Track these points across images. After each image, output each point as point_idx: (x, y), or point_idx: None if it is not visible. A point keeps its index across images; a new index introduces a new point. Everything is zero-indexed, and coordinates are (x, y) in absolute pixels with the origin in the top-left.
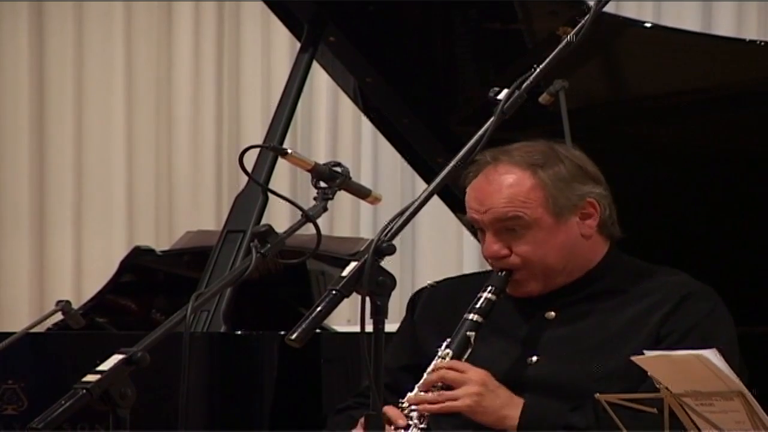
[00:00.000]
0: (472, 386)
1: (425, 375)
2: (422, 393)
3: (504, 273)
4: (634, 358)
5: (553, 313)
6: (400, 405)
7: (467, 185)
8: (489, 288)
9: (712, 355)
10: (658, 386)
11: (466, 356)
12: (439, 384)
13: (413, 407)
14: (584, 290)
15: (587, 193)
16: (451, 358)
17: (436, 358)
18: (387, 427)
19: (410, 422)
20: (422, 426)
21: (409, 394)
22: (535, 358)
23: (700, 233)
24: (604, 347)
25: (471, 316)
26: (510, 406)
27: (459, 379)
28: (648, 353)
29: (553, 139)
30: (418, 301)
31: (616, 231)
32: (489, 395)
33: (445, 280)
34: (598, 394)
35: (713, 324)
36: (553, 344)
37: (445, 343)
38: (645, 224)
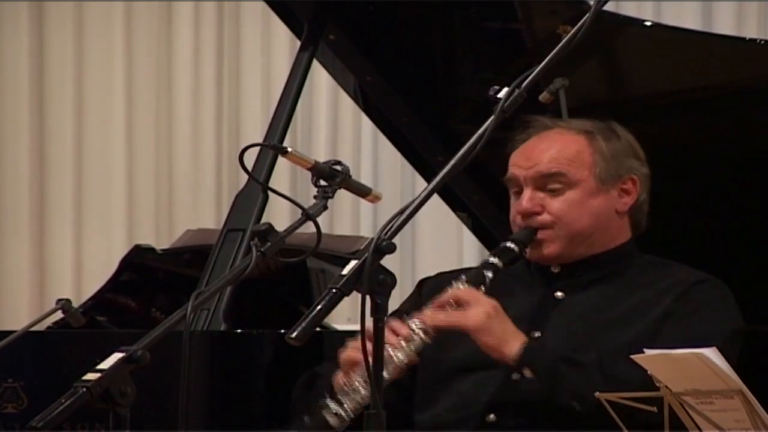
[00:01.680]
0: (483, 306)
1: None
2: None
3: (529, 230)
4: (634, 357)
5: (561, 293)
6: (404, 319)
7: (515, 148)
8: (512, 239)
9: (712, 353)
10: (658, 385)
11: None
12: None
13: (417, 321)
14: (597, 271)
15: (633, 168)
16: None
17: (453, 287)
18: (390, 336)
19: (414, 336)
20: (426, 339)
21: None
22: (537, 334)
23: (701, 232)
24: (610, 326)
25: (492, 258)
26: (515, 336)
27: (472, 298)
28: (648, 352)
29: (609, 120)
30: (424, 285)
31: (643, 222)
32: (498, 319)
33: (451, 271)
34: (597, 393)
35: (721, 308)
36: (558, 322)
37: (463, 276)
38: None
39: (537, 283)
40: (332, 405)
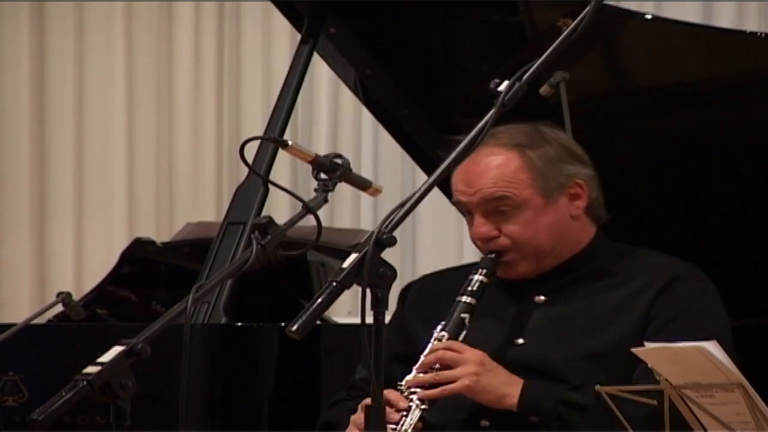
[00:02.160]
0: (470, 366)
1: (422, 357)
2: (420, 375)
3: (494, 255)
4: (634, 350)
5: (542, 297)
6: (399, 388)
7: (452, 171)
8: (480, 270)
9: (712, 346)
10: (658, 378)
11: (461, 338)
12: (437, 366)
13: (413, 389)
14: (573, 273)
15: (575, 173)
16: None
17: (432, 340)
18: (388, 410)
19: (411, 404)
20: (423, 407)
21: (408, 377)
22: (521, 341)
23: (701, 225)
24: (591, 329)
25: (464, 298)
26: (509, 385)
27: (456, 359)
28: (648, 345)
29: (539, 121)
30: (408, 293)
31: (603, 214)
32: (487, 374)
33: (434, 273)
34: (598, 386)
35: (703, 305)
36: (540, 327)
37: (439, 326)
38: (645, 215)
39: (516, 290)
40: None
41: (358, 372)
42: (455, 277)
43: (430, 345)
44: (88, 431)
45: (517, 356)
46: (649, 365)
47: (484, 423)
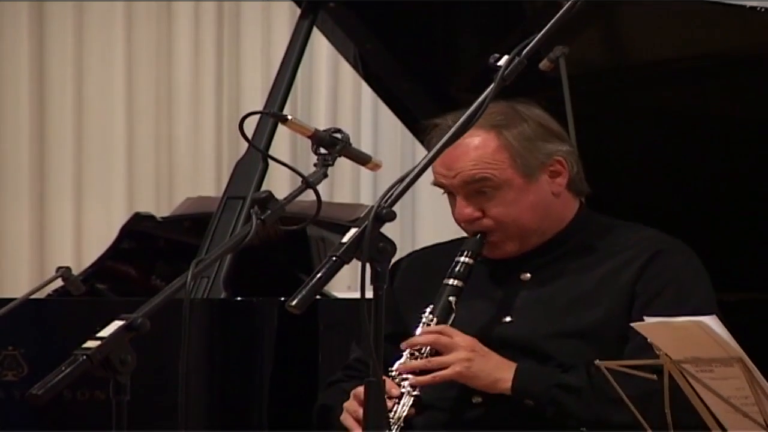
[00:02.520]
0: (462, 352)
1: (413, 339)
2: (412, 361)
3: (479, 236)
4: (633, 324)
5: (528, 275)
6: (390, 374)
7: (431, 145)
8: (465, 252)
9: (711, 321)
10: (658, 353)
11: (450, 321)
12: (427, 350)
13: (405, 376)
14: (558, 249)
15: (554, 151)
16: (436, 324)
17: (421, 324)
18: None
19: (403, 390)
20: (415, 393)
21: (399, 363)
22: (508, 319)
23: (701, 200)
24: (577, 305)
25: (450, 281)
26: (502, 369)
27: (448, 344)
28: (648, 320)
29: (514, 99)
30: (396, 271)
31: (585, 188)
32: (479, 360)
33: (422, 249)
34: (597, 361)
35: (688, 278)
36: (527, 305)
37: (427, 310)
38: (645, 190)
39: (502, 268)
40: None
41: (353, 351)
42: (444, 252)
43: (419, 329)
44: (87, 406)
45: (505, 334)
46: (648, 340)
47: (477, 399)
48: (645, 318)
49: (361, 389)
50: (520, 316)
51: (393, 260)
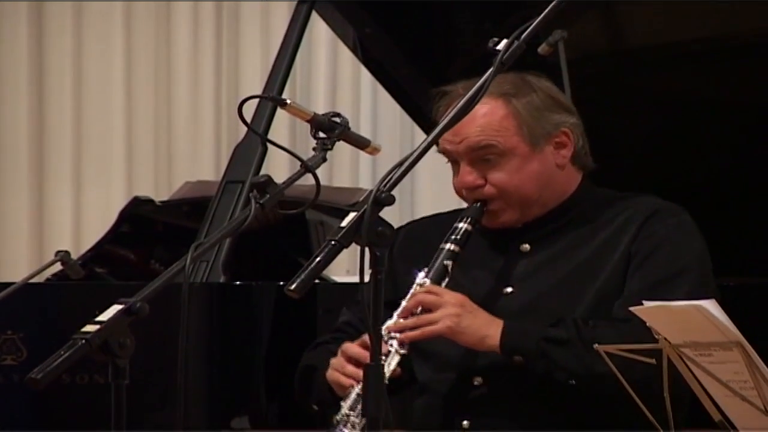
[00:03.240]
0: (450, 308)
1: (403, 303)
2: (401, 320)
3: (479, 203)
4: (632, 309)
5: (527, 246)
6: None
7: (438, 119)
8: (464, 218)
9: (710, 305)
10: (657, 337)
11: (443, 285)
12: (418, 310)
13: (393, 335)
14: (559, 221)
15: (561, 122)
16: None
17: (414, 285)
18: (366, 354)
19: (390, 349)
20: (403, 352)
21: (389, 322)
22: (509, 289)
23: (700, 183)
24: (578, 274)
25: (447, 245)
26: (490, 326)
27: (436, 301)
28: (647, 304)
29: (524, 71)
30: (395, 238)
31: (589, 162)
32: (467, 316)
33: (421, 218)
34: (597, 345)
35: (681, 237)
36: (527, 275)
37: (422, 273)
38: (644, 173)
39: (502, 240)
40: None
41: (343, 314)
42: (442, 221)
43: (411, 290)
44: (86, 390)
45: (507, 305)
46: (647, 324)
47: (477, 380)
48: (645, 302)
49: (348, 344)
50: (521, 286)
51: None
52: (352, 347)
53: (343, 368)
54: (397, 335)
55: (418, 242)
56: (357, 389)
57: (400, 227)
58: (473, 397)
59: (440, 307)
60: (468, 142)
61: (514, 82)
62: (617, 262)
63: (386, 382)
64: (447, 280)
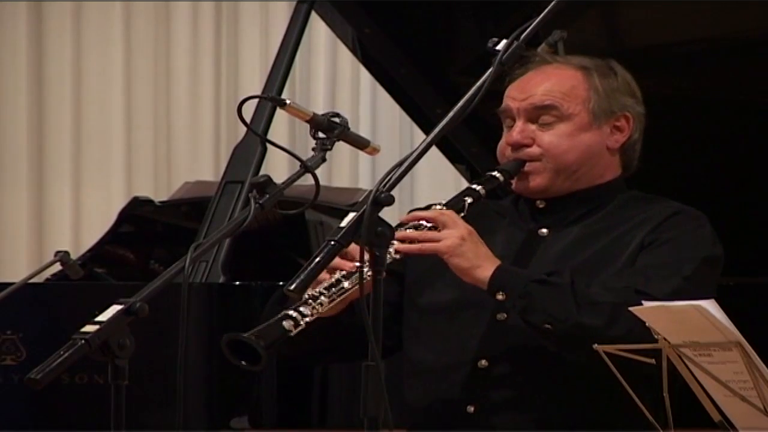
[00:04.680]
0: (457, 230)
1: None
2: (405, 230)
3: (516, 161)
4: (632, 309)
5: (545, 230)
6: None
7: (513, 79)
8: (498, 169)
9: (710, 305)
10: (656, 337)
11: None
12: (428, 226)
13: (394, 242)
14: (582, 207)
15: (628, 106)
16: None
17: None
18: (343, 262)
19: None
20: (396, 256)
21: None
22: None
23: (701, 184)
24: (593, 262)
25: (473, 185)
26: (487, 259)
27: (448, 222)
28: (647, 304)
29: (604, 58)
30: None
31: (635, 161)
32: (471, 243)
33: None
34: (596, 345)
35: (696, 235)
36: (543, 259)
37: (440, 203)
38: (645, 173)
39: (522, 220)
40: (291, 312)
41: None
42: (488, 209)
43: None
44: (86, 390)
45: None
46: (647, 324)
47: (482, 363)
48: (644, 302)
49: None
50: (535, 269)
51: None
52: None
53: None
54: (395, 243)
55: None
56: (335, 277)
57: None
58: (479, 381)
59: (450, 228)
60: (532, 100)
61: (598, 62)
62: (629, 256)
63: (354, 287)
64: (463, 215)
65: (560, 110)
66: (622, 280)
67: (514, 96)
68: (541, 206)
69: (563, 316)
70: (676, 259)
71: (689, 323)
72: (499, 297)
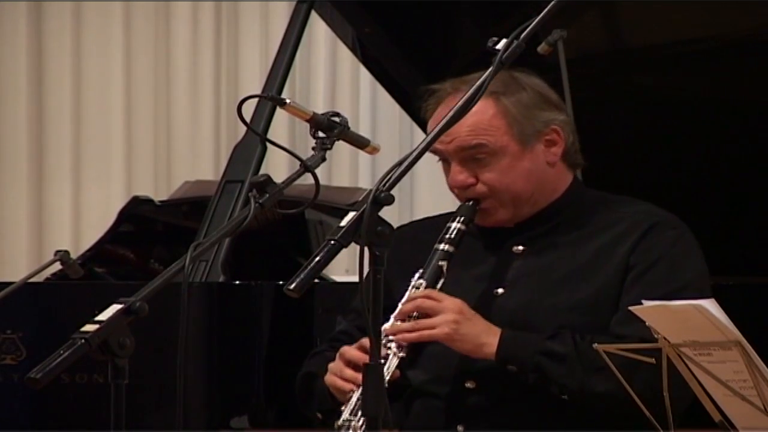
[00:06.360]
0: (449, 314)
1: (400, 305)
2: (398, 323)
3: (471, 202)
4: (632, 308)
5: (521, 247)
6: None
7: (428, 118)
8: (458, 218)
9: (710, 305)
10: (656, 336)
11: (439, 286)
12: (415, 314)
13: (391, 337)
14: (551, 221)
15: (551, 120)
16: (425, 288)
17: (410, 288)
18: (365, 357)
19: (389, 352)
20: (401, 355)
21: (386, 325)
22: (501, 290)
23: (699, 183)
24: (571, 279)
25: (442, 246)
26: (488, 334)
27: (435, 307)
28: (646, 303)
29: (514, 68)
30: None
31: (580, 160)
32: (466, 323)
33: (411, 222)
34: (596, 344)
35: (680, 252)
36: (519, 277)
37: (417, 274)
38: (644, 174)
39: (494, 240)
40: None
41: (339, 324)
42: (433, 225)
43: (408, 293)
44: (86, 390)
45: (498, 306)
46: (647, 323)
47: (470, 384)
48: (644, 301)
49: (347, 348)
50: (513, 287)
51: None
52: (350, 350)
53: (341, 372)
54: (395, 337)
55: (409, 247)
56: (357, 393)
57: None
58: (466, 402)
59: (439, 313)
60: (458, 142)
61: (503, 79)
62: (614, 271)
63: (386, 385)
64: (442, 281)
65: (489, 146)
66: (624, 329)
67: (440, 139)
68: (510, 226)
69: (577, 387)
70: (673, 288)
71: (689, 322)
72: (511, 369)
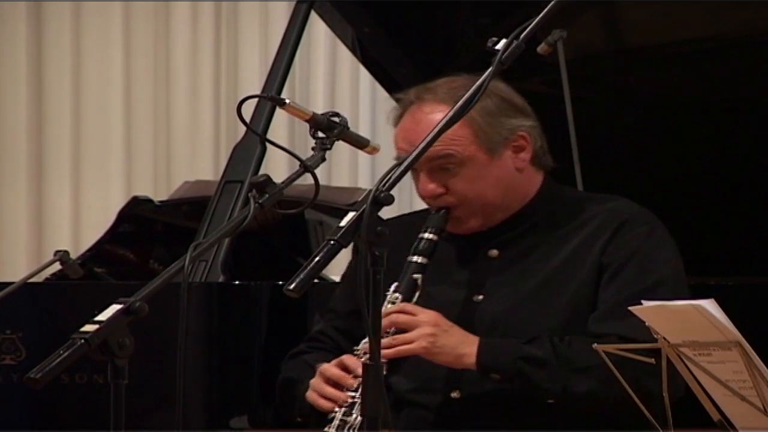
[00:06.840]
0: (426, 328)
1: None
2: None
3: (442, 212)
4: (632, 308)
5: (495, 251)
6: (355, 353)
7: (394, 126)
8: (429, 228)
9: (709, 305)
10: (656, 336)
11: (415, 299)
12: (392, 329)
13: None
14: (524, 224)
15: (518, 126)
16: (401, 302)
17: (386, 303)
18: (344, 375)
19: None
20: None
21: (364, 342)
22: (480, 297)
23: (698, 184)
24: (548, 282)
25: (414, 258)
26: (466, 344)
27: (411, 322)
28: (646, 303)
29: (476, 73)
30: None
31: (549, 161)
32: (443, 335)
33: (387, 220)
34: (596, 345)
35: (653, 247)
36: (497, 282)
37: (392, 288)
38: (641, 173)
39: (469, 245)
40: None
41: (316, 323)
42: (410, 223)
43: (383, 309)
44: (85, 390)
45: (477, 313)
46: (646, 323)
47: (455, 394)
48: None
49: (326, 366)
50: (492, 294)
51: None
52: (330, 368)
53: (322, 390)
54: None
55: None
56: (339, 412)
57: None
58: (452, 411)
59: (415, 328)
60: (425, 153)
61: (467, 87)
62: (588, 272)
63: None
64: (418, 294)
65: (457, 156)
66: (601, 326)
67: (406, 149)
68: (484, 230)
69: (560, 390)
70: (648, 284)
71: (689, 323)
72: (494, 377)
